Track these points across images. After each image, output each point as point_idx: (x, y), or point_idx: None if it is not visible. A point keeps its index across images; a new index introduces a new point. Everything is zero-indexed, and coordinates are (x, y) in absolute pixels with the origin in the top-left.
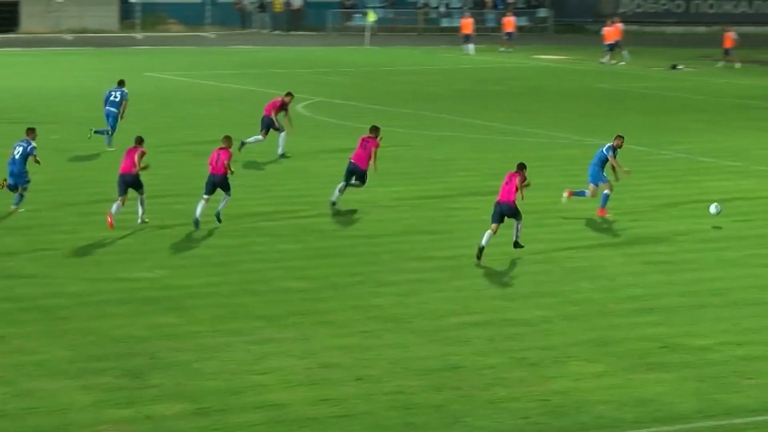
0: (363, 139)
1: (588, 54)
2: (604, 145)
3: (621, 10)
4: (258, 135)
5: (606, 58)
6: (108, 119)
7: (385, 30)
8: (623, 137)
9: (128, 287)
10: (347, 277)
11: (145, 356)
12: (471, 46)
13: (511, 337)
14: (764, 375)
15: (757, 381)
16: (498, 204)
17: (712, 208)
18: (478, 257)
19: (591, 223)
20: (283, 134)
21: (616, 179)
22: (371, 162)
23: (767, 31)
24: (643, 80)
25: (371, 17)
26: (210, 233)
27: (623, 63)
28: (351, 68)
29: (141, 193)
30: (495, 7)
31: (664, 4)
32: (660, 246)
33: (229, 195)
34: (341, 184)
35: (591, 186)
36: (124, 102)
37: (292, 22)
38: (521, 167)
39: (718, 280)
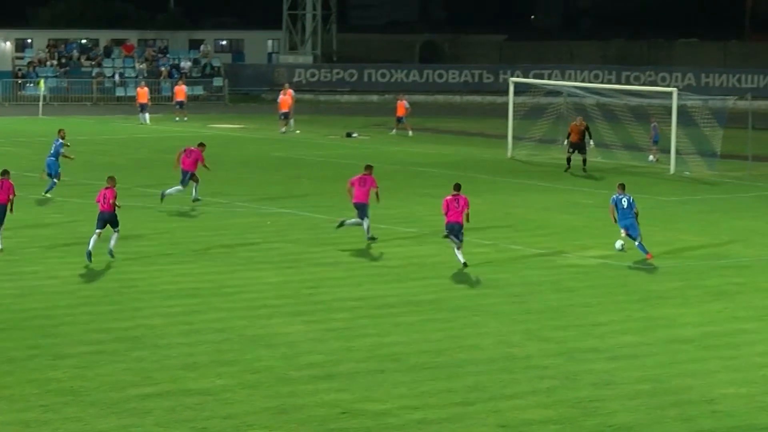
0: (361, 178)
1: (264, 123)
2: (628, 197)
3: (296, 79)
4: (179, 186)
5: (284, 128)
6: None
7: (58, 99)
8: (623, 184)
9: None
10: (23, 351)
11: None
12: (146, 116)
13: (192, 407)
14: None
15: None
16: (449, 224)
17: (617, 244)
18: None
19: (269, 291)
20: (196, 184)
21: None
22: (372, 195)
23: (439, 99)
24: (319, 148)
25: (41, 86)
26: None
27: (298, 131)
28: (25, 138)
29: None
30: (170, 76)
31: (338, 73)
32: (339, 313)
33: (118, 230)
34: (353, 220)
35: (624, 232)
36: (61, 150)
37: None
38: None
39: (395, 345)
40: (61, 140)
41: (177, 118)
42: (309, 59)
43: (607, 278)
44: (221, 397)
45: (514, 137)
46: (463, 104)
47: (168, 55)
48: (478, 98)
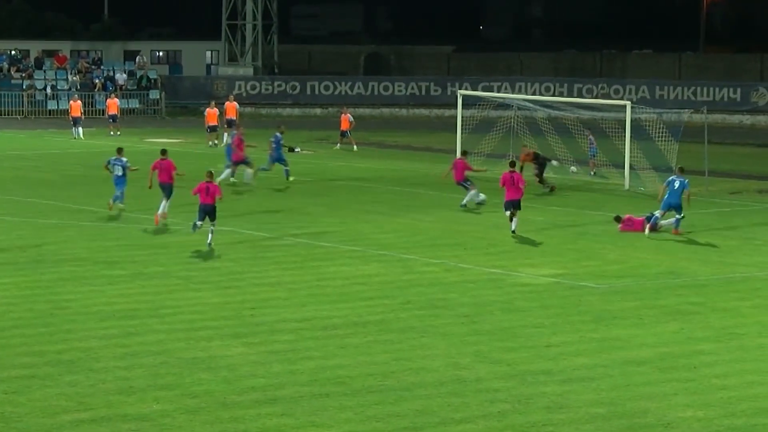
0: (510, 177)
1: (202, 137)
2: (682, 179)
3: (236, 92)
4: (475, 192)
5: (215, 141)
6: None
7: None
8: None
9: None
10: None
11: None
12: (80, 130)
13: None
14: None
15: None
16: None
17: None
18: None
19: (209, 312)
20: (474, 191)
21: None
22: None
23: (384, 113)
24: (259, 163)
25: None
26: None
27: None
28: None
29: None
30: (105, 88)
31: (279, 86)
32: (282, 334)
33: (215, 224)
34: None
35: (662, 212)
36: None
37: None
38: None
39: (340, 367)
40: (280, 135)
41: (111, 133)
42: (249, 71)
43: (560, 298)
44: (159, 423)
45: (462, 152)
46: (410, 118)
47: (102, 67)
48: (425, 111)
